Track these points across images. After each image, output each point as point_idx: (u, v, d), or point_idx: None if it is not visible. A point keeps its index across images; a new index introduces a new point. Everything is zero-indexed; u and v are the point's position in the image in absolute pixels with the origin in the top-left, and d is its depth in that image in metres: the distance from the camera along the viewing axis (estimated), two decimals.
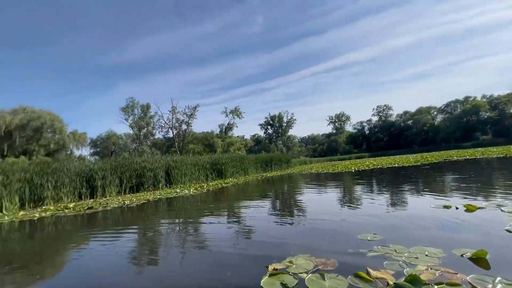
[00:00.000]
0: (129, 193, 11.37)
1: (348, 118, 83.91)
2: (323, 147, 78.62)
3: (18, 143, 31.55)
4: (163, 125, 42.39)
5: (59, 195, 9.37)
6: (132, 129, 41.99)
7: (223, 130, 48.59)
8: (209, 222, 5.70)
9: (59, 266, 3.72)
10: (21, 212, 7.63)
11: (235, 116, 48.39)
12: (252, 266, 2.82)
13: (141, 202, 8.48)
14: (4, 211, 7.95)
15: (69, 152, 37.12)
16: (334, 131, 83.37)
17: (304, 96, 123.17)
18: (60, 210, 7.60)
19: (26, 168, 9.23)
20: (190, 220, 6.01)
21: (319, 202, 6.59)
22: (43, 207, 8.54)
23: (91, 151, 44.22)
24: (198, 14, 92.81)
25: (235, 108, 47.95)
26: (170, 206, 7.91)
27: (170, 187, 12.61)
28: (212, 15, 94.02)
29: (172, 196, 9.63)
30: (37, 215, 7.03)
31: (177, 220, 6.06)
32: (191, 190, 10.83)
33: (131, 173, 11.62)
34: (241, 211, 6.61)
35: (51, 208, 8.16)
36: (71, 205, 8.37)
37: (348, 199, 6.56)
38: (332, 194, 7.64)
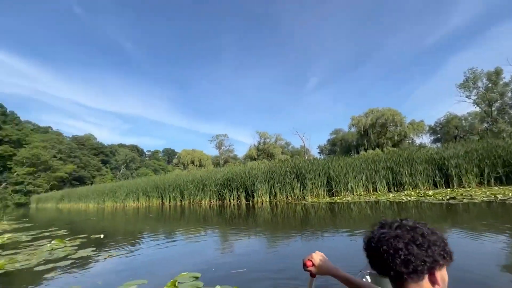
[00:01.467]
0: (494, 185, 9.23)
1: None
2: None
3: (372, 138, 40.25)
4: None
5: (415, 181, 10.21)
6: (478, 106, 33.95)
7: None
8: None
9: None
10: (391, 194, 9.41)
11: None
12: None
13: None
14: (378, 191, 10.39)
15: (410, 141, 39.54)
16: None
17: None
18: (421, 196, 8.20)
19: (386, 158, 11.28)
20: None
21: None
22: (404, 192, 9.81)
23: (431, 138, 43.03)
24: None
25: None
26: None
27: None
28: None
29: None
30: (404, 198, 8.23)
31: None
32: None
33: (494, 161, 9.37)
34: None
35: (412, 193, 9.10)
36: (430, 193, 8.67)
37: None
38: None
